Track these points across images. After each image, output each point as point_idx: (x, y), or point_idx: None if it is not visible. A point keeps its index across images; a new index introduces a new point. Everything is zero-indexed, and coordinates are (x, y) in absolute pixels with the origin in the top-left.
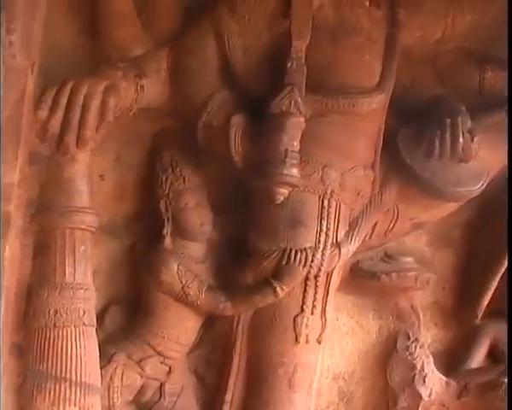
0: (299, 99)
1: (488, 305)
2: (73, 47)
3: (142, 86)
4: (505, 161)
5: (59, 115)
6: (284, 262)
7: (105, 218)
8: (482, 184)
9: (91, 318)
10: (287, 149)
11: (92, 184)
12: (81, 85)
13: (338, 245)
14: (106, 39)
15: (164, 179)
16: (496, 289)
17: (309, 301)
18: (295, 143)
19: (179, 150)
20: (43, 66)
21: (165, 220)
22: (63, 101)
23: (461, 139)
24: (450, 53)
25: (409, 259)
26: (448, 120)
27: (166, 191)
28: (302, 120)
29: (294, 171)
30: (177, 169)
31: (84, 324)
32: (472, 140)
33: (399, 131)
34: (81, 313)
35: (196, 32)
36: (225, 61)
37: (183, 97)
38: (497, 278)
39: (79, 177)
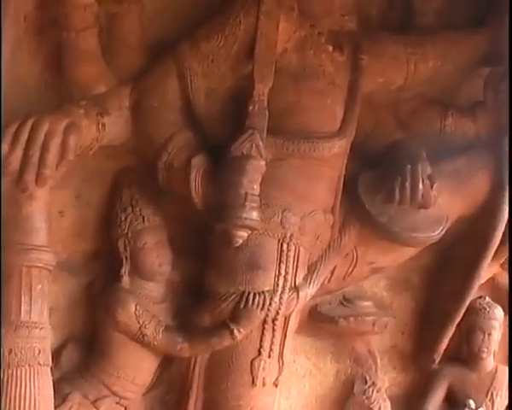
0: (260, 143)
1: (446, 350)
2: (37, 82)
3: (103, 124)
4: (464, 209)
5: (19, 152)
6: (242, 305)
7: (64, 255)
8: (441, 230)
9: (47, 357)
10: (247, 193)
11: (52, 221)
12: (42, 123)
13: (296, 289)
14: (69, 76)
15: (123, 218)
16: (453, 335)
17: (266, 344)
18: (255, 187)
19: (140, 189)
20: (5, 100)
21: (124, 260)
22: (24, 138)
23: (420, 186)
24: (411, 99)
25: (367, 303)
26: (408, 167)
27: (125, 230)
28: (263, 163)
29: (254, 214)
30: (137, 208)
31: (38, 363)
32: (432, 187)
33: (360, 175)
34: (36, 352)
35: (159, 71)
36: (187, 101)
37: (144, 136)
38: (455, 324)
39: (38, 214)
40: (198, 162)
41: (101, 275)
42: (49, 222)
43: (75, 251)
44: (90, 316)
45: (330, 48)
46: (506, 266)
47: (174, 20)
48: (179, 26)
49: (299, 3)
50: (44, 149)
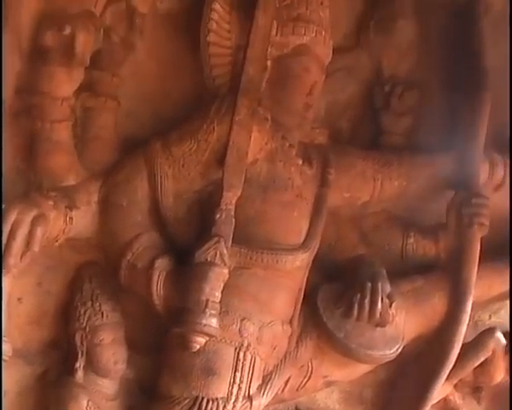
0: (225, 251)
1: None
2: (8, 167)
3: (71, 218)
4: (420, 329)
5: None
6: None
7: (20, 342)
8: (397, 349)
9: None
10: (208, 300)
11: (10, 307)
12: (11, 211)
13: (250, 398)
14: (40, 165)
15: (82, 312)
16: None
17: None
18: (217, 294)
19: (101, 284)
20: None
21: (79, 354)
22: None
23: (379, 305)
24: (376, 215)
25: None
26: (368, 284)
27: (84, 325)
28: (226, 271)
29: (213, 321)
30: (97, 304)
31: None
32: (390, 305)
33: (320, 287)
34: None
35: (130, 169)
36: (156, 202)
37: (110, 233)
38: None
39: None
40: (161, 264)
41: (55, 366)
42: (8, 309)
43: (31, 339)
44: (42, 407)
45: (300, 161)
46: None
47: (148, 118)
48: (153, 125)
49: (273, 115)
50: (11, 237)
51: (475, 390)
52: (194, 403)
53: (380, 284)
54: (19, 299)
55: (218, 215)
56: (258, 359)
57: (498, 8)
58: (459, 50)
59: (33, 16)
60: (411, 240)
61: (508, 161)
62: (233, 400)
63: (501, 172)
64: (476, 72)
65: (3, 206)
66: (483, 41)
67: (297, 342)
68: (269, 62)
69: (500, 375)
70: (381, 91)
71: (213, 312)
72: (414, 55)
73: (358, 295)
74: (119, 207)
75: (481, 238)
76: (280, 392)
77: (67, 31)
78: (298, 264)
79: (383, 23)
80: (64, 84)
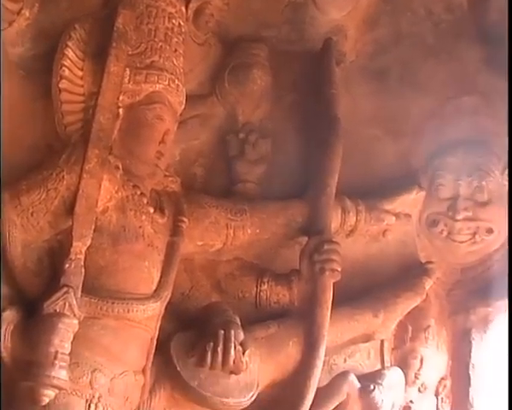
0: (74, 301)
1: None
2: None
3: None
4: (275, 375)
5: None
6: None
7: None
8: (251, 396)
9: None
10: (57, 351)
11: None
12: None
13: None
14: None
15: None
16: None
17: None
18: (66, 345)
19: None
20: None
21: None
22: None
23: (232, 352)
24: (229, 263)
25: None
26: (221, 332)
27: None
28: (75, 322)
29: (63, 373)
30: None
31: None
32: (243, 353)
33: (174, 336)
34: None
35: None
36: (4, 252)
37: None
38: None
39: None
40: (9, 317)
41: None
42: None
43: None
44: None
45: (151, 209)
46: None
47: None
48: (1, 172)
49: (124, 163)
50: None
51: None
52: None
53: (233, 332)
54: None
55: (67, 265)
56: None
57: (351, 58)
58: (312, 99)
59: None
60: (265, 287)
61: (360, 208)
62: None
63: (353, 218)
64: (328, 120)
65: None
66: (335, 90)
67: (150, 393)
68: (121, 110)
69: None
70: (235, 139)
71: (63, 364)
72: (268, 104)
73: (211, 344)
74: None
75: (334, 284)
76: None
77: None
78: (149, 313)
79: (238, 72)
80: None
